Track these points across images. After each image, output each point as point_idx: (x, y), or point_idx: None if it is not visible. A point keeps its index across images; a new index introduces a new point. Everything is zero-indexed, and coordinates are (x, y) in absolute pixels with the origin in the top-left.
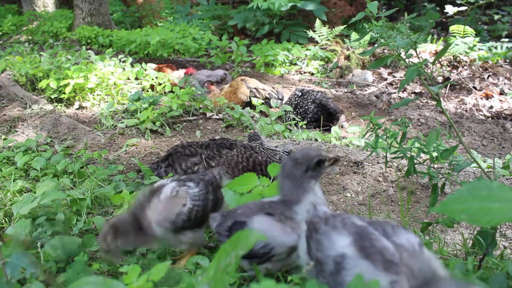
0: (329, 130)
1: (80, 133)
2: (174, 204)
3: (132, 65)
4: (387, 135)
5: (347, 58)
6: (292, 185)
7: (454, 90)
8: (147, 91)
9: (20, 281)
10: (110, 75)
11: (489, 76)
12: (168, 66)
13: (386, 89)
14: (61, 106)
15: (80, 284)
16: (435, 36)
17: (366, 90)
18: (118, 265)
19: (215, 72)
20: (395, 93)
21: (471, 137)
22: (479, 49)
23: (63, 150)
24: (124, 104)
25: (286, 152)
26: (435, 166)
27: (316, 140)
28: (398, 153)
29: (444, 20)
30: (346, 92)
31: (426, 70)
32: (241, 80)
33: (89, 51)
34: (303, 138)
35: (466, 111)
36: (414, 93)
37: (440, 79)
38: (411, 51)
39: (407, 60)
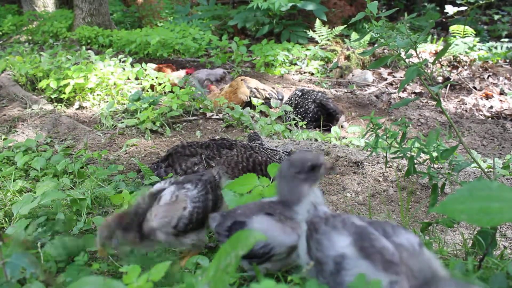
0: (329, 130)
1: (80, 133)
2: (174, 209)
3: (132, 65)
4: (387, 135)
5: (347, 58)
6: (287, 186)
7: (454, 90)
8: (147, 91)
9: (20, 281)
10: (110, 75)
11: (489, 76)
12: (168, 66)
13: (386, 89)
14: (61, 106)
15: (80, 284)
16: (435, 36)
17: (366, 90)
18: (118, 265)
19: (215, 71)
20: (395, 93)
21: (471, 137)
22: (479, 49)
23: (63, 150)
24: (124, 104)
25: (286, 152)
26: (435, 166)
27: (316, 140)
28: (398, 153)
29: (444, 20)
30: (346, 92)
31: (426, 70)
32: (241, 80)
33: (89, 51)
34: (303, 138)
35: (466, 111)
36: (414, 93)
37: (440, 79)
38: (411, 51)
39: (407, 60)
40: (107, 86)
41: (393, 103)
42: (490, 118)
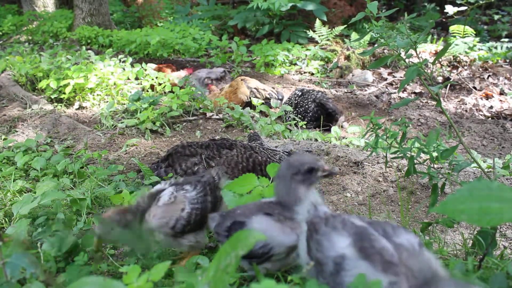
0: (329, 130)
1: (80, 133)
2: (172, 210)
3: (132, 65)
4: (387, 135)
5: (347, 58)
6: (284, 187)
7: (454, 90)
8: (147, 91)
9: (20, 281)
10: (110, 75)
11: (489, 76)
12: (168, 66)
13: (386, 89)
14: (61, 106)
15: (80, 284)
16: (435, 36)
17: (366, 90)
18: (118, 265)
19: (215, 70)
20: (395, 93)
21: (471, 137)
22: (479, 49)
23: (63, 150)
24: (124, 104)
25: (286, 152)
26: (435, 166)
27: (316, 140)
28: (398, 153)
29: (444, 20)
30: (346, 92)
31: (426, 70)
32: (241, 80)
33: (89, 51)
34: (303, 138)
35: (466, 111)
36: (414, 93)
37: (440, 79)
38: (411, 51)
39: (407, 60)
40: (107, 86)
41: (393, 103)
42: (490, 118)
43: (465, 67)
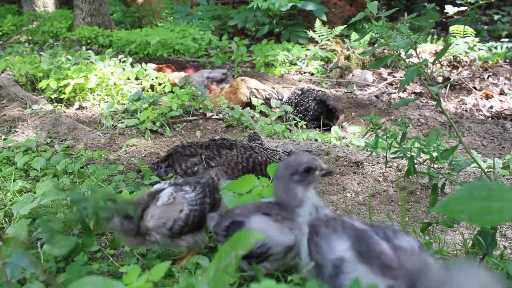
0: (329, 130)
1: (80, 133)
2: (171, 211)
3: (132, 65)
4: (387, 135)
5: (347, 58)
6: (283, 187)
7: (454, 90)
8: (147, 91)
9: (20, 281)
10: (110, 75)
11: (489, 76)
12: (168, 66)
13: (386, 89)
14: (61, 106)
15: (80, 284)
16: (435, 36)
17: (366, 90)
18: (118, 265)
19: (216, 71)
20: (395, 93)
21: (471, 137)
22: (479, 49)
23: (63, 150)
24: (124, 104)
25: (286, 152)
26: (435, 166)
27: (316, 140)
28: (398, 153)
29: (444, 20)
30: (346, 92)
31: (426, 70)
32: (241, 80)
33: (89, 51)
34: (303, 138)
35: (466, 111)
36: (414, 93)
37: (440, 79)
38: (411, 51)
39: (407, 60)
40: (107, 86)
41: (393, 103)
42: (490, 118)
43: (465, 67)
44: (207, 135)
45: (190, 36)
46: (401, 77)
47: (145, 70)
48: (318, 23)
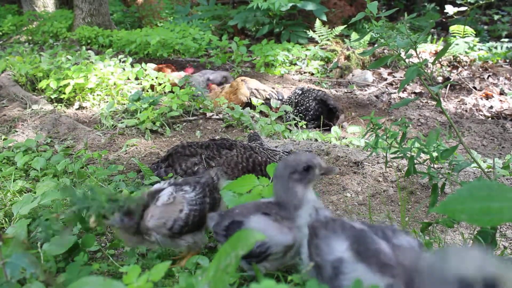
0: (329, 130)
1: (80, 133)
2: (171, 211)
3: (132, 65)
4: (387, 135)
5: (347, 58)
6: (282, 187)
7: (454, 90)
8: (147, 91)
9: (20, 281)
10: (110, 75)
11: (489, 76)
12: (168, 66)
13: (386, 89)
14: (61, 106)
15: (80, 284)
16: (435, 36)
17: (366, 90)
18: (118, 265)
19: (218, 72)
20: (395, 93)
21: (471, 137)
22: (479, 49)
23: (63, 150)
24: (124, 104)
25: (286, 152)
26: (435, 166)
27: (316, 140)
28: (398, 153)
29: (444, 20)
30: (346, 92)
31: (426, 70)
32: (241, 80)
33: (89, 51)
34: (303, 138)
35: (466, 111)
36: (414, 93)
37: (440, 79)
38: (411, 51)
39: (407, 60)
40: (107, 86)
41: (393, 103)
42: (490, 118)
43: (465, 67)
44: (207, 135)
45: (190, 36)
46: (401, 77)
47: (145, 70)
48: (318, 23)
